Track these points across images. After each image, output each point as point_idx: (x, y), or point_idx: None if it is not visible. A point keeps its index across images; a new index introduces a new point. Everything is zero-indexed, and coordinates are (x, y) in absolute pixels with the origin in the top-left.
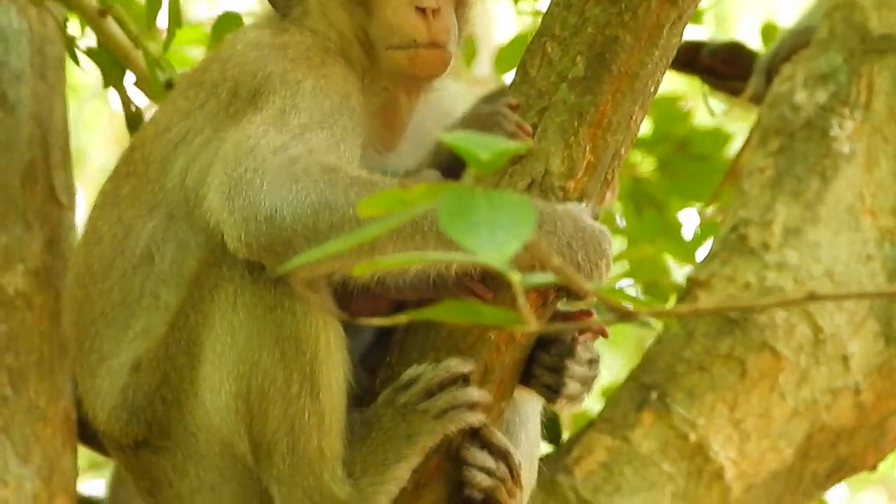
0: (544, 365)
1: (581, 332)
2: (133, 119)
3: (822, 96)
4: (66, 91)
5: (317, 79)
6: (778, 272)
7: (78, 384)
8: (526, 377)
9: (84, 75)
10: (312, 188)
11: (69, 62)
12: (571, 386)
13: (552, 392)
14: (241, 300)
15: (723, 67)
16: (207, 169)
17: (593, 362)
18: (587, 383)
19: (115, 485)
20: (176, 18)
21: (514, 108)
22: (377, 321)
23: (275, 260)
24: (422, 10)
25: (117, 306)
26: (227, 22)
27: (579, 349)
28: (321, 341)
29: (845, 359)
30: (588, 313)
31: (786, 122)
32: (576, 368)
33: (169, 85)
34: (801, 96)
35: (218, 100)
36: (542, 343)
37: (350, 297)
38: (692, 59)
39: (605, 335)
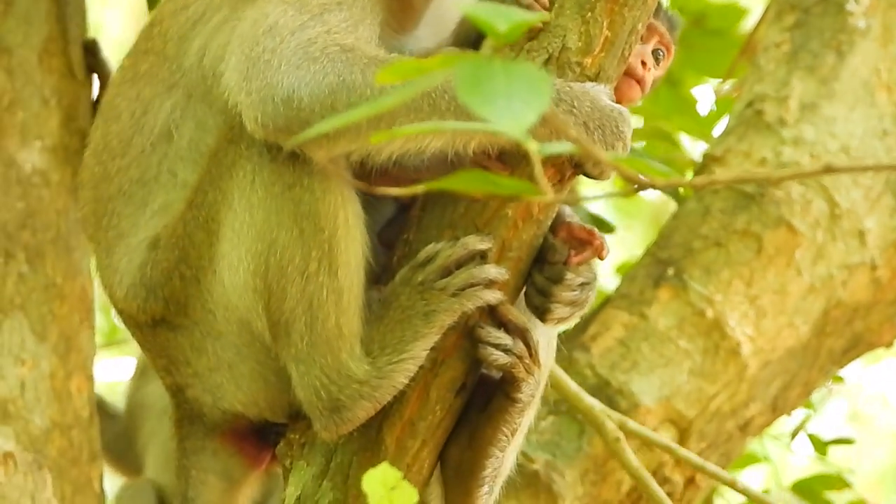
0: (535, 286)
1: (576, 253)
2: None
3: None
4: None
5: None
6: (794, 147)
7: (95, 261)
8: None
9: None
10: (330, 68)
11: None
12: (559, 310)
13: (540, 313)
14: (259, 178)
15: None
16: (225, 48)
17: (586, 285)
18: (578, 305)
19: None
20: None
21: None
22: (395, 191)
23: (292, 141)
24: None
25: (135, 183)
26: None
27: (569, 275)
28: (339, 219)
29: (861, 234)
30: (591, 234)
31: None
32: (564, 294)
33: None
34: None
35: None
36: (538, 260)
37: (369, 178)
38: None
39: (601, 257)
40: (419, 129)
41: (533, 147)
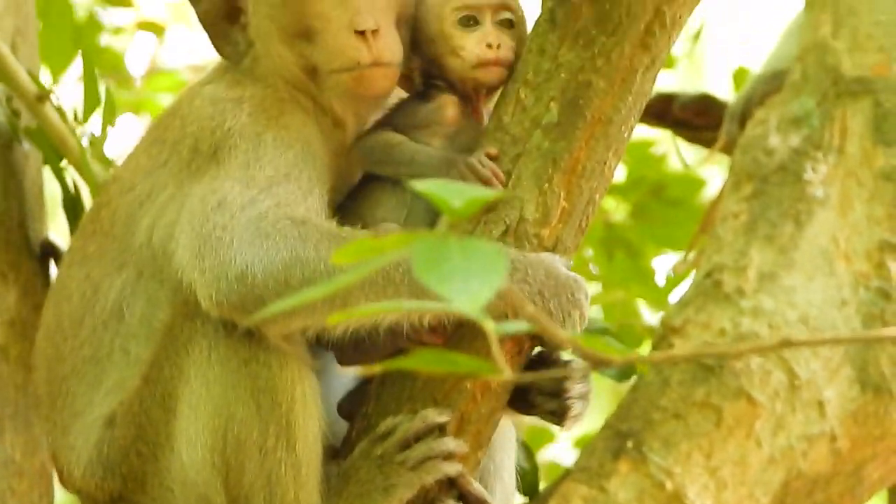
0: (545, 392)
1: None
2: (69, 202)
3: (795, 140)
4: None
5: (277, 130)
6: (753, 318)
7: (51, 442)
8: (525, 405)
9: None
10: (283, 244)
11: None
12: (576, 407)
13: (557, 416)
14: (215, 354)
15: (695, 119)
16: (174, 226)
17: (585, 375)
18: (586, 398)
19: None
20: (110, 116)
21: (493, 157)
22: (353, 370)
23: (247, 318)
24: (361, 33)
25: (88, 362)
26: None
27: (573, 366)
28: (296, 393)
29: (821, 405)
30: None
31: (759, 166)
32: (575, 388)
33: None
34: (774, 140)
35: (179, 157)
36: (535, 368)
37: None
38: (664, 112)
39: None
40: (374, 311)
41: (490, 326)
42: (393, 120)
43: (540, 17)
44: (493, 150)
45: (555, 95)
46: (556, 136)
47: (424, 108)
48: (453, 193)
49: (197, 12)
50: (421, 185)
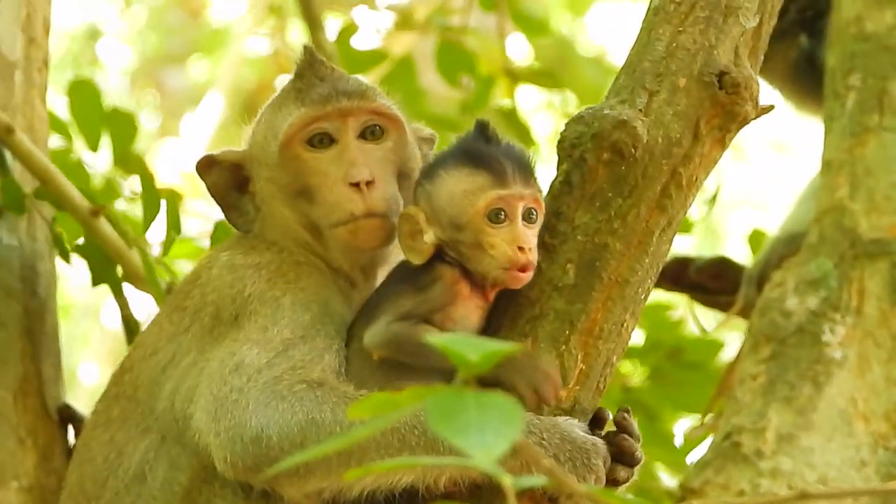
0: (621, 437)
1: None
2: (129, 322)
3: (813, 302)
4: (57, 308)
5: (295, 293)
6: (772, 479)
7: None
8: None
9: (75, 295)
10: (299, 407)
11: (60, 279)
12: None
13: (635, 455)
14: None
15: (711, 283)
16: (194, 390)
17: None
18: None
19: None
20: (175, 224)
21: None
22: None
23: (263, 481)
24: (356, 185)
25: None
26: (225, 229)
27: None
28: None
29: None
30: None
31: (777, 329)
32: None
33: (169, 290)
34: (792, 302)
35: (202, 324)
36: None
37: None
38: (680, 276)
39: None
40: (391, 465)
41: (507, 481)
42: (401, 297)
43: (555, 179)
44: (563, 392)
45: (571, 257)
46: (572, 297)
47: (435, 285)
48: (469, 347)
49: (206, 185)
50: (436, 339)
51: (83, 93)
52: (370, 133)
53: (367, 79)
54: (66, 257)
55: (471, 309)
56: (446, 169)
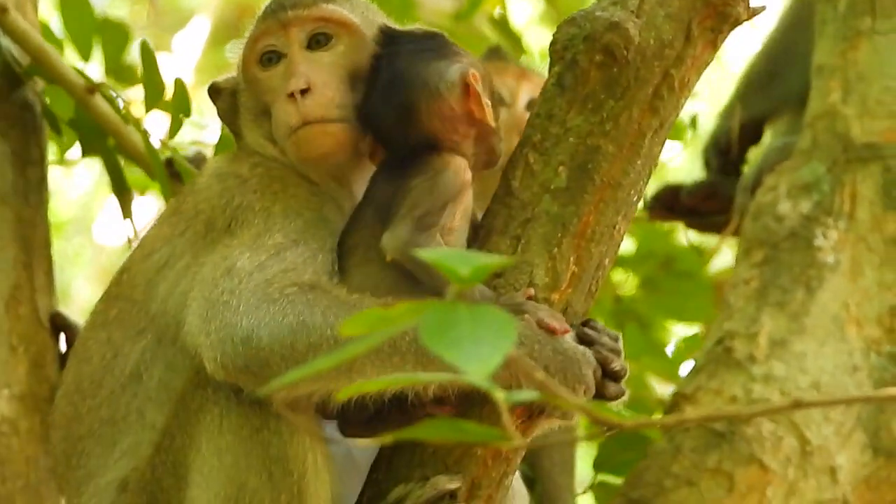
0: (606, 358)
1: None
2: (122, 194)
3: (805, 206)
4: (49, 215)
5: (285, 200)
6: (764, 384)
7: (65, 502)
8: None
9: (67, 210)
10: (290, 309)
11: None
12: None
13: (620, 371)
14: (226, 422)
15: (703, 205)
16: (188, 293)
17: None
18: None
19: None
20: (182, 106)
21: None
22: (363, 441)
23: (253, 382)
24: (291, 96)
25: (105, 423)
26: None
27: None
28: (308, 461)
29: (833, 471)
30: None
31: (770, 233)
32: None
33: (170, 164)
34: (784, 206)
35: (195, 230)
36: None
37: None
38: (672, 203)
39: None
40: (382, 384)
41: (499, 395)
42: (415, 194)
43: (548, 81)
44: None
45: (563, 160)
46: (565, 200)
47: (446, 173)
48: (460, 260)
49: (217, 110)
50: (427, 254)
51: (74, 2)
52: (315, 42)
53: None
54: (56, 129)
55: (470, 198)
56: None
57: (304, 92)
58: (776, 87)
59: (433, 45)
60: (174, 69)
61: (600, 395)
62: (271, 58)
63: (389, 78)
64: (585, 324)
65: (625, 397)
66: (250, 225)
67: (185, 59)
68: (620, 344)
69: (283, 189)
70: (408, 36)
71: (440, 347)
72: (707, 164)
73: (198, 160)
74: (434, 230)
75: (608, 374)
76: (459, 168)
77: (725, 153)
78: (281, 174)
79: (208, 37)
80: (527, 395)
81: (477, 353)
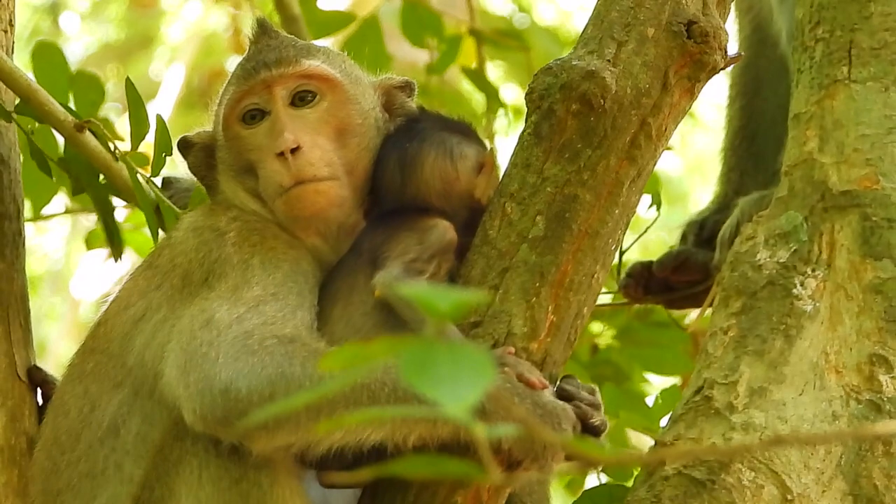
0: (582, 409)
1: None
2: (112, 232)
3: (783, 255)
4: (26, 270)
5: (263, 253)
6: (744, 433)
7: None
8: None
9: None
10: (269, 360)
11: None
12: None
13: (601, 426)
14: (206, 473)
15: (676, 277)
16: (165, 346)
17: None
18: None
19: None
20: (164, 145)
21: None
22: (344, 479)
23: (231, 433)
24: (281, 155)
25: (84, 477)
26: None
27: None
28: None
29: None
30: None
31: (748, 282)
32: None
33: (157, 209)
34: (762, 255)
35: (171, 283)
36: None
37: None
38: (647, 280)
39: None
40: (361, 418)
41: (480, 431)
42: (404, 242)
43: (524, 131)
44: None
45: (541, 209)
46: (542, 249)
47: (434, 231)
48: (438, 296)
49: (187, 165)
50: (406, 290)
51: (48, 56)
52: (299, 99)
53: (305, 41)
54: (46, 170)
55: (452, 260)
56: None
57: (293, 151)
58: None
59: (461, 126)
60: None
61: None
62: (255, 115)
63: (409, 133)
64: (562, 380)
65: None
66: (228, 277)
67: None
68: (599, 397)
69: (262, 241)
70: (438, 115)
71: (419, 383)
72: (684, 238)
73: (165, 187)
74: (421, 278)
75: (588, 429)
76: (447, 228)
77: (706, 238)
78: (260, 227)
79: (177, 101)
80: (506, 429)
81: (457, 389)
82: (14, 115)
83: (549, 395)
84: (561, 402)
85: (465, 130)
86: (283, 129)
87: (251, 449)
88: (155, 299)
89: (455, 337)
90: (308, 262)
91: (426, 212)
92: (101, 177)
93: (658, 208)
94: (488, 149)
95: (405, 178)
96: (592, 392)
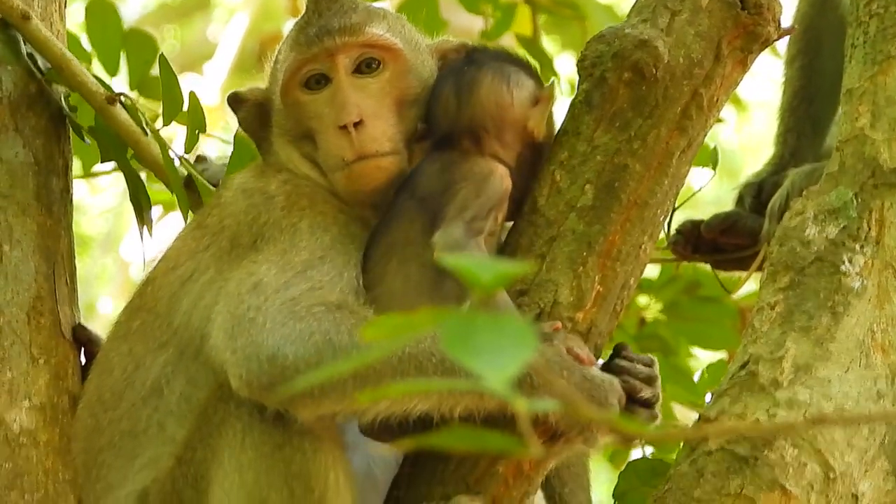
0: (637, 386)
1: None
2: (139, 203)
3: (832, 231)
4: (72, 227)
5: (312, 217)
6: (788, 409)
7: None
8: None
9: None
10: (316, 327)
11: (77, 201)
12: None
13: (653, 398)
14: (249, 437)
15: (723, 238)
16: (212, 308)
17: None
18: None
19: None
20: (198, 122)
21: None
22: (386, 449)
23: (276, 400)
24: (343, 128)
25: (125, 436)
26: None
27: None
28: (330, 480)
29: (856, 498)
30: None
31: (796, 258)
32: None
33: (188, 183)
34: (811, 231)
35: (219, 245)
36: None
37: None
38: (696, 239)
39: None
40: (404, 390)
41: (521, 404)
42: (462, 196)
43: (576, 98)
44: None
45: (590, 178)
46: (591, 219)
47: (492, 179)
48: (482, 267)
49: (237, 119)
50: (449, 259)
51: (101, 13)
52: (365, 66)
53: (371, 5)
54: (79, 134)
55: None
56: None
57: (356, 125)
58: (820, 132)
59: (522, 62)
60: (203, 91)
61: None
62: (319, 80)
63: (467, 61)
64: (618, 353)
65: (657, 422)
66: (276, 241)
67: (212, 82)
68: (656, 369)
69: (311, 206)
70: (499, 49)
71: (460, 354)
72: (740, 200)
73: (199, 162)
74: (480, 237)
75: (637, 402)
76: (503, 175)
77: (765, 201)
78: (309, 191)
79: (233, 63)
80: (548, 404)
81: (497, 361)
82: (47, 82)
83: (596, 370)
84: (609, 377)
85: (524, 66)
86: (345, 101)
87: (296, 416)
88: (203, 260)
89: (506, 306)
90: (357, 226)
91: (480, 148)
92: (130, 151)
93: (714, 167)
94: (547, 85)
95: (461, 101)
96: (650, 364)
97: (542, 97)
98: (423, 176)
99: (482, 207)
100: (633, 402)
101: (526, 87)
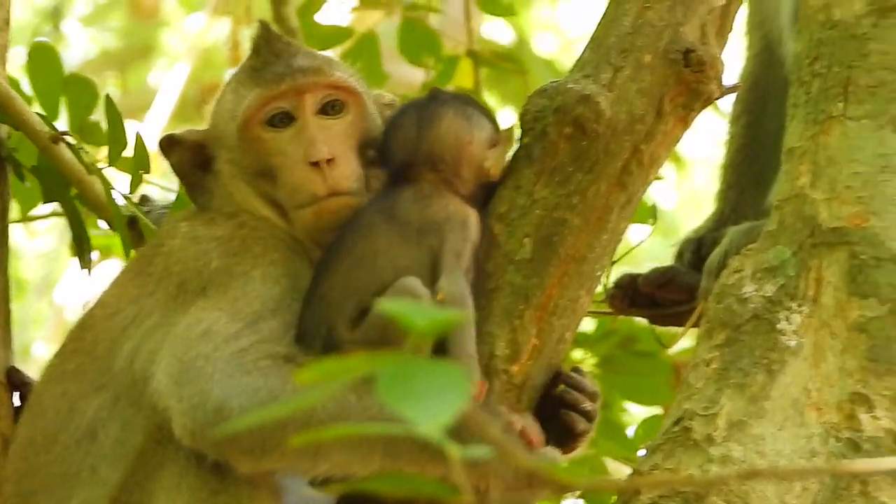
0: (576, 408)
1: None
2: (81, 242)
3: (770, 289)
4: (8, 271)
5: (265, 267)
6: (721, 465)
7: None
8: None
9: (29, 271)
10: (262, 382)
11: (13, 244)
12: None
13: (586, 427)
14: (185, 482)
15: (660, 293)
16: (157, 353)
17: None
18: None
19: None
20: (142, 162)
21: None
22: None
23: (218, 452)
24: (315, 164)
25: (57, 479)
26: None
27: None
28: None
29: None
30: None
31: (733, 315)
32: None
33: (132, 223)
34: (749, 289)
35: (166, 291)
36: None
37: None
38: (633, 292)
39: None
40: (339, 432)
41: (453, 450)
42: (455, 246)
43: (517, 152)
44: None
45: (529, 231)
46: (528, 272)
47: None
48: (417, 313)
49: (170, 163)
50: (386, 305)
51: (43, 57)
52: (330, 108)
53: (326, 52)
54: (20, 175)
55: None
56: None
57: (328, 162)
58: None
59: (481, 106)
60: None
61: (568, 429)
62: (283, 118)
63: (430, 101)
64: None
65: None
66: (228, 289)
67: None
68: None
69: (264, 253)
70: (461, 93)
71: (394, 401)
72: (680, 255)
73: (143, 203)
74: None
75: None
76: (477, 221)
77: (702, 255)
78: (264, 235)
79: (173, 111)
80: (479, 450)
81: (430, 408)
82: None
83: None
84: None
85: (484, 110)
86: (314, 139)
87: (237, 469)
88: (146, 306)
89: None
90: (304, 266)
91: (441, 179)
92: (74, 191)
93: (654, 223)
94: (506, 129)
95: (421, 132)
96: (594, 387)
97: (501, 139)
98: (397, 200)
99: (469, 252)
100: (575, 411)
101: (485, 128)
